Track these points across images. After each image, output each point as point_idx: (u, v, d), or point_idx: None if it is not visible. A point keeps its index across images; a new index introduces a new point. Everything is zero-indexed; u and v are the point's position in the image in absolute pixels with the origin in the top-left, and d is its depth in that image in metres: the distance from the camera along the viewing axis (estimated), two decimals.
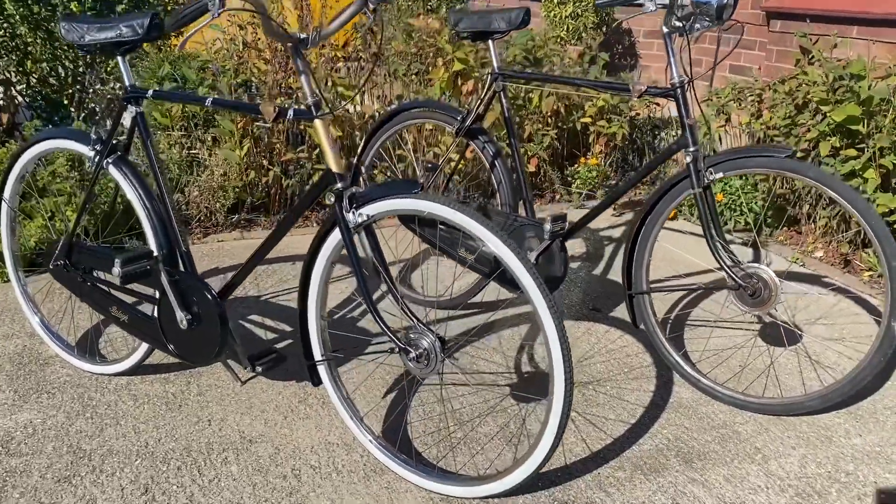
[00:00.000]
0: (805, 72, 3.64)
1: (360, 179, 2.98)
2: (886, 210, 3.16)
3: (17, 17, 3.93)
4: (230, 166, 3.68)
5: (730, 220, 3.90)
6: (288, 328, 2.77)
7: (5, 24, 3.96)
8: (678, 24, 2.24)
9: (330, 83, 3.78)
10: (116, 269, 2.10)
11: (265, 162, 3.73)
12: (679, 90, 2.27)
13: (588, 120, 4.32)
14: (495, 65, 2.64)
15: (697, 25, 2.22)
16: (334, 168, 1.85)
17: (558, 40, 5.24)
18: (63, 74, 4.20)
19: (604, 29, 5.74)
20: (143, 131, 2.14)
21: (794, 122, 3.59)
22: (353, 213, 1.82)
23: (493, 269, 2.66)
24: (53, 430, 2.14)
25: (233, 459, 2.04)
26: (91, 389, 2.36)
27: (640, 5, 2.19)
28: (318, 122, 1.84)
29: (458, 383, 2.42)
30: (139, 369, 2.40)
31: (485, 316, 2.86)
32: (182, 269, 2.16)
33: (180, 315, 2.09)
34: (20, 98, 4.25)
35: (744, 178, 3.94)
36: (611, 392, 2.41)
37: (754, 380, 2.47)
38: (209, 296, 2.07)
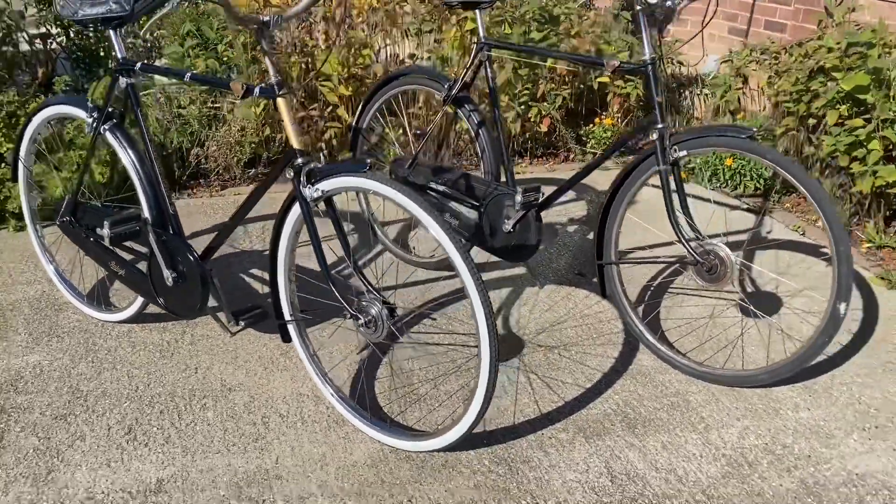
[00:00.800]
0: (820, 36, 3.56)
1: (359, 142, 3.12)
2: (885, 183, 3.13)
3: None
4: (247, 122, 3.83)
5: (739, 184, 3.90)
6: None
7: None
8: (650, 0, 2.26)
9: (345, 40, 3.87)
10: (105, 231, 2.30)
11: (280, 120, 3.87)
12: (650, 67, 2.30)
13: (605, 79, 4.31)
14: (481, 34, 2.70)
15: (668, 3, 2.24)
16: (295, 144, 1.98)
17: None
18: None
19: None
20: (134, 101, 2.30)
21: (806, 89, 3.54)
22: (310, 188, 1.95)
23: (473, 235, 2.78)
24: (57, 372, 2.39)
25: (210, 406, 2.25)
26: (96, 335, 2.59)
27: None
28: (280, 101, 1.97)
29: (417, 344, 2.56)
30: (140, 318, 2.62)
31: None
32: (170, 230, 2.34)
33: (166, 273, 2.28)
34: (60, 50, 4.46)
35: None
36: (574, 357, 2.52)
37: (718, 351, 2.55)
38: (191, 257, 2.26)
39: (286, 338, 2.23)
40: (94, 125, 2.38)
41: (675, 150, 2.30)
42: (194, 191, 3.85)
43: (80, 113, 2.43)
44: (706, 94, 4.53)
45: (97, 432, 2.12)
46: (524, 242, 2.70)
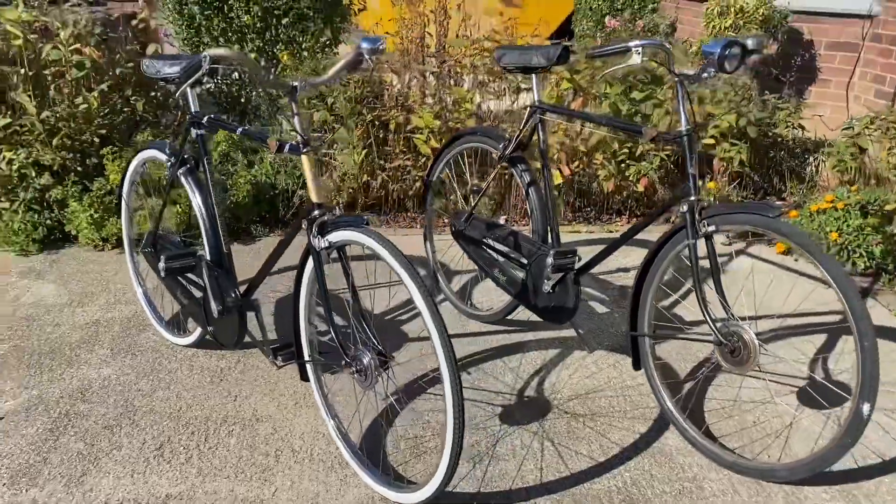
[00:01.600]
0: None
1: (429, 195, 3.25)
2: None
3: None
4: (348, 169, 4.09)
5: (847, 260, 3.61)
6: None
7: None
8: (688, 71, 2.22)
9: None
10: (161, 264, 2.57)
11: (377, 169, 4.10)
12: (685, 138, 2.25)
13: (710, 142, 4.17)
14: (535, 98, 2.75)
15: (705, 74, 2.19)
16: (314, 198, 2.13)
17: None
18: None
19: (775, 39, 5.39)
20: (203, 150, 2.57)
21: None
22: (319, 239, 2.10)
23: (519, 293, 2.80)
24: (120, 386, 2.68)
25: (236, 433, 2.42)
26: (164, 356, 2.87)
27: (627, 50, 2.18)
28: (303, 157, 2.14)
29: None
30: (203, 344, 2.87)
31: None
32: (222, 267, 2.57)
33: (213, 305, 2.51)
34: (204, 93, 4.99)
35: (867, 215, 3.62)
36: (598, 428, 2.46)
37: (757, 440, 2.39)
38: (234, 293, 2.47)
39: (304, 376, 2.37)
40: (171, 169, 2.68)
41: (705, 225, 2.22)
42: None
43: (162, 157, 2.75)
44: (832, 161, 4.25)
45: (133, 445, 2.36)
46: (562, 304, 2.69)
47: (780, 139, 4.43)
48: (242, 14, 4.70)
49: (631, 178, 4.15)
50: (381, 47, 2.18)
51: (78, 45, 4.07)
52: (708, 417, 2.50)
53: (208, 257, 2.58)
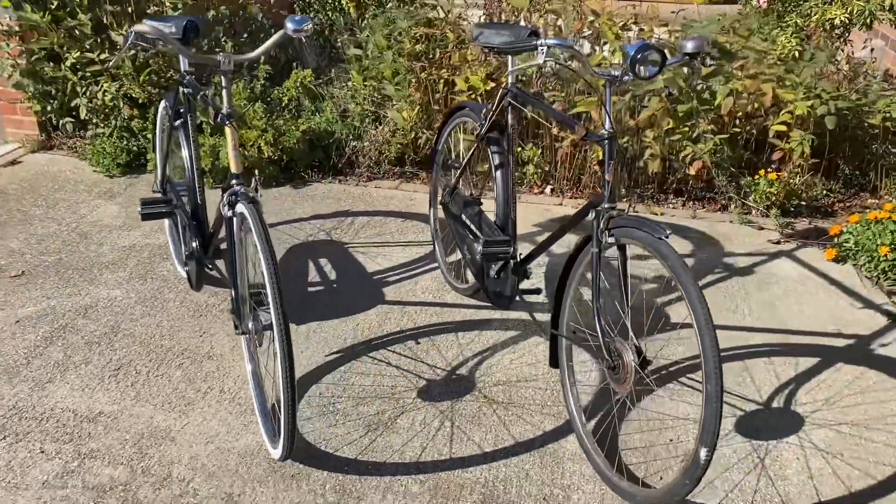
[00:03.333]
0: None
1: (434, 164, 3.31)
2: None
3: None
4: (398, 125, 4.20)
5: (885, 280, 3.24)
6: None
7: None
8: (614, 72, 2.11)
9: None
10: (139, 208, 2.87)
11: (425, 127, 4.18)
12: (606, 143, 2.15)
13: (781, 128, 3.81)
14: (509, 80, 2.69)
15: (626, 77, 2.07)
16: (232, 169, 2.30)
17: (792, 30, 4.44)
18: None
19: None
20: (188, 107, 2.80)
21: None
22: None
23: (476, 272, 2.83)
24: (118, 308, 3.05)
25: (185, 366, 2.71)
26: (168, 286, 3.22)
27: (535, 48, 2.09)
28: (227, 129, 2.30)
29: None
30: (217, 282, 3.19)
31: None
32: (197, 219, 2.81)
33: (173, 249, 2.79)
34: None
35: None
36: (505, 418, 2.48)
37: (652, 460, 2.31)
38: (202, 245, 2.73)
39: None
40: (169, 121, 2.95)
41: (607, 235, 2.13)
42: (345, 178, 4.34)
43: (168, 109, 3.02)
44: None
45: (99, 363, 2.73)
46: (500, 291, 2.69)
47: (875, 130, 3.93)
48: None
49: (684, 160, 3.91)
50: (305, 27, 2.26)
51: None
52: (611, 430, 2.43)
53: (187, 206, 2.84)
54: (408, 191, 4.20)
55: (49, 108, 4.51)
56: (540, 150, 4.13)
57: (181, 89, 2.80)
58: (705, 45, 2.09)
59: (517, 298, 2.79)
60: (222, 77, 2.29)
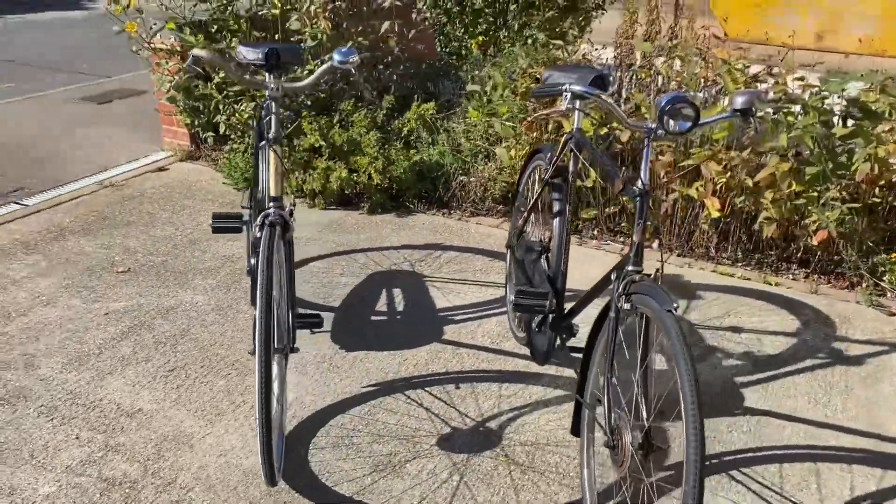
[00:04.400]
0: None
1: (515, 204, 3.25)
2: None
3: None
4: (504, 163, 4.15)
5: None
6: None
7: None
8: (651, 124, 1.94)
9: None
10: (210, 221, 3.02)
11: None
12: (639, 199, 1.97)
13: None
14: (575, 126, 2.55)
15: (660, 131, 1.89)
16: (271, 192, 2.36)
17: None
18: None
19: None
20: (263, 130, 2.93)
21: None
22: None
23: (526, 322, 2.70)
24: (195, 313, 3.23)
25: (230, 378, 2.81)
26: (247, 297, 3.36)
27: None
28: (270, 152, 2.37)
29: None
30: None
31: None
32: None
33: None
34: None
35: None
36: (518, 483, 2.33)
37: None
38: None
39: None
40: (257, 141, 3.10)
41: (623, 300, 1.94)
42: (450, 211, 4.34)
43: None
44: None
45: (158, 362, 2.89)
46: (537, 345, 2.55)
47: None
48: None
49: (807, 228, 3.51)
50: (350, 59, 2.28)
51: (319, 19, 4.70)
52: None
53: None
54: (507, 230, 4.11)
55: (197, 122, 4.91)
56: None
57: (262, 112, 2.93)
58: (756, 102, 1.86)
59: (569, 351, 2.58)
60: (272, 102, 2.36)
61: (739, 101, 1.88)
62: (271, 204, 2.35)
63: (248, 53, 2.80)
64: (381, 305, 3.32)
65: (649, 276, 1.96)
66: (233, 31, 4.68)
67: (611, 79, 2.43)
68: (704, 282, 3.59)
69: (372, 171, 4.22)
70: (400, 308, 3.31)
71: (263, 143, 2.95)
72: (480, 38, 4.74)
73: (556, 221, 2.63)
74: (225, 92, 4.69)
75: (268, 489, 2.27)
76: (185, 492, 2.26)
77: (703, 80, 3.78)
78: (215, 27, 4.78)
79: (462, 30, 5.06)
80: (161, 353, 2.94)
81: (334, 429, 2.54)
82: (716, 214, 3.61)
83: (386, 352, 2.97)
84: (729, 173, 3.58)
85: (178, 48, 4.81)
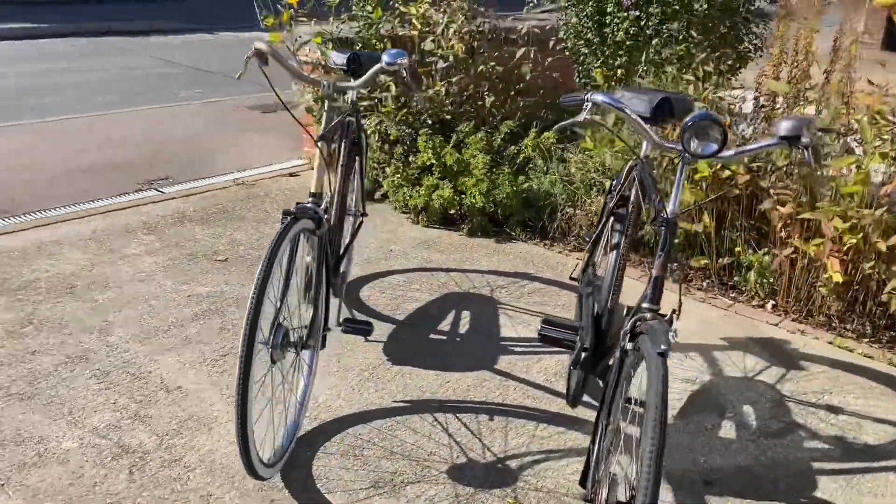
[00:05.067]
0: None
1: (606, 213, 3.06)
2: None
3: None
4: None
5: None
6: None
7: None
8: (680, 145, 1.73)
9: None
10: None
11: None
12: (663, 228, 1.76)
13: None
14: (643, 152, 2.34)
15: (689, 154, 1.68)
16: (311, 188, 2.36)
17: None
18: None
19: None
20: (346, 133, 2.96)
21: None
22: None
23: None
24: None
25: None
26: None
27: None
28: (316, 148, 2.38)
29: None
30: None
31: None
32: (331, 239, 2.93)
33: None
34: None
35: None
36: None
37: None
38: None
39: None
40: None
41: (626, 340, 1.72)
42: (552, 243, 4.16)
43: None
44: None
45: (214, 346, 2.97)
46: (570, 385, 2.34)
47: None
48: (618, 31, 4.74)
49: None
50: (398, 61, 2.24)
51: (454, 41, 4.75)
52: None
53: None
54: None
55: None
56: (767, 255, 3.50)
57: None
58: (806, 129, 1.58)
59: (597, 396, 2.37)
60: (326, 102, 2.38)
61: (785, 128, 1.62)
62: (310, 199, 2.35)
63: (336, 58, 2.87)
64: (445, 325, 3.22)
65: (664, 315, 1.73)
66: (369, 47, 4.83)
67: (686, 105, 2.20)
68: (815, 352, 3.16)
69: (476, 193, 4.15)
70: (462, 330, 3.19)
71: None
72: (603, 69, 4.55)
73: (611, 255, 2.42)
74: (356, 106, 4.83)
75: (260, 483, 2.23)
76: (186, 471, 2.29)
77: (841, 127, 3.36)
78: (360, 44, 4.96)
79: (600, 61, 4.88)
80: (221, 338, 3.03)
81: (349, 437, 2.47)
82: (837, 278, 3.17)
83: (431, 371, 2.86)
84: (860, 233, 3.14)
85: (322, 62, 5.04)
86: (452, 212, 4.29)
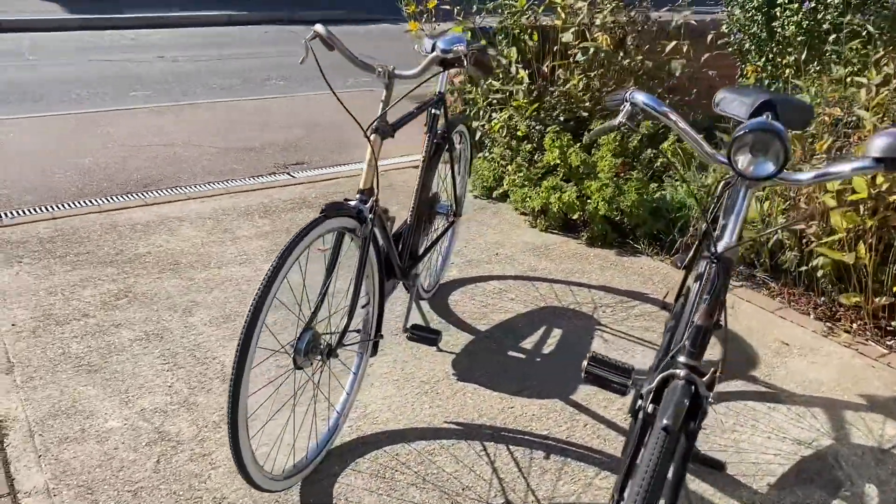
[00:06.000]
0: None
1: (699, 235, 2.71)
2: None
3: None
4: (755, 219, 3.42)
5: None
6: None
7: None
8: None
9: None
10: None
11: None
12: (710, 266, 1.40)
13: None
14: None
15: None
16: (360, 184, 2.19)
17: None
18: None
19: None
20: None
21: None
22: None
23: None
24: None
25: None
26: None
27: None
28: (370, 140, 2.19)
29: None
30: None
31: None
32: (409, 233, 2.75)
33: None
34: None
35: None
36: None
37: None
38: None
39: None
40: None
41: (648, 401, 1.38)
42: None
43: None
44: None
45: (285, 337, 2.90)
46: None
47: None
48: (788, 24, 4.15)
49: None
50: (455, 47, 2.00)
51: (599, 34, 4.40)
52: None
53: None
54: (742, 298, 3.37)
55: None
56: None
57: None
58: None
59: None
60: (384, 91, 2.18)
61: (880, 146, 1.20)
62: (358, 196, 2.17)
63: (426, 45, 2.67)
64: (529, 342, 2.93)
65: (703, 374, 1.36)
66: (514, 39, 4.58)
67: (800, 113, 1.77)
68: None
69: (599, 199, 3.79)
70: (547, 350, 2.88)
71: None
72: (752, 66, 3.98)
73: (695, 285, 2.02)
74: (489, 99, 4.62)
75: (277, 496, 2.10)
76: (210, 468, 2.21)
77: None
78: (502, 35, 4.73)
79: (764, 58, 4.30)
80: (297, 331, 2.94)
81: (385, 456, 2.28)
82: None
83: (496, 393, 2.60)
84: None
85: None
86: (575, 217, 3.96)
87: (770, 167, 1.25)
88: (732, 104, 1.87)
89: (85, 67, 7.96)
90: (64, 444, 2.28)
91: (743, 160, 1.30)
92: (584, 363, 1.93)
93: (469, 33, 4.71)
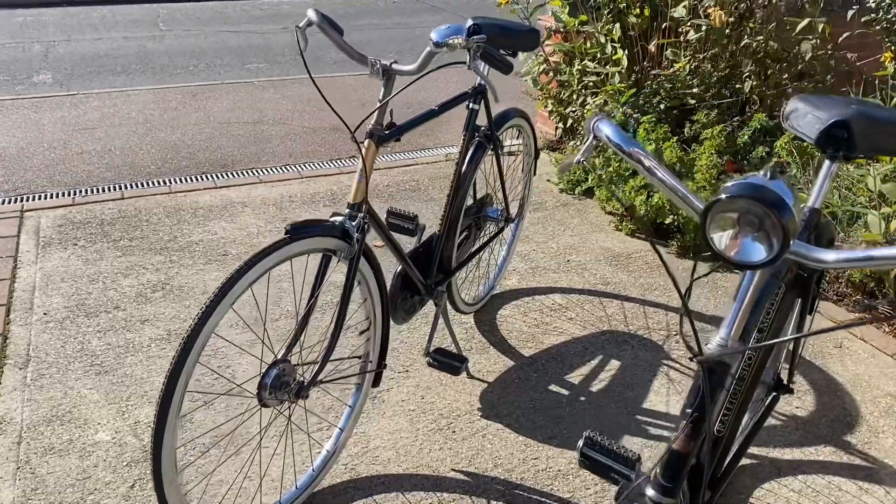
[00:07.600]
0: None
1: None
2: None
3: None
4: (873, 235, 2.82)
5: None
6: None
7: None
8: None
9: None
10: None
11: None
12: (700, 369, 0.99)
13: None
14: (814, 197, 1.45)
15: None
16: (350, 196, 1.88)
17: None
18: None
19: None
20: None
21: None
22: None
23: None
24: None
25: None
26: None
27: None
28: (362, 146, 1.88)
29: None
30: None
31: None
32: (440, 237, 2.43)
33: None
34: None
35: None
36: None
37: None
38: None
39: None
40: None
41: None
42: None
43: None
44: None
45: None
46: None
47: None
48: None
49: None
50: (449, 40, 1.63)
51: (712, 9, 3.82)
52: None
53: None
54: (854, 335, 2.79)
55: (553, 109, 4.49)
56: None
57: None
58: None
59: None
60: (383, 88, 1.86)
61: None
62: (348, 210, 1.87)
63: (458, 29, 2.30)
64: (576, 376, 2.54)
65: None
66: (619, 15, 4.07)
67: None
68: None
69: (636, 196, 3.29)
70: (595, 388, 2.48)
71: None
72: (892, 52, 3.27)
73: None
74: (585, 81, 4.16)
75: None
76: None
77: None
78: (607, 9, 4.23)
79: None
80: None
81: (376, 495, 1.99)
82: None
83: (522, 437, 2.24)
84: None
85: (561, 29, 4.41)
86: (668, 222, 3.46)
87: (761, 252, 0.83)
88: (804, 119, 1.39)
89: (211, 39, 8.10)
90: (46, 456, 2.15)
91: (723, 237, 0.88)
92: (580, 442, 1.53)
93: (567, 7, 4.25)
